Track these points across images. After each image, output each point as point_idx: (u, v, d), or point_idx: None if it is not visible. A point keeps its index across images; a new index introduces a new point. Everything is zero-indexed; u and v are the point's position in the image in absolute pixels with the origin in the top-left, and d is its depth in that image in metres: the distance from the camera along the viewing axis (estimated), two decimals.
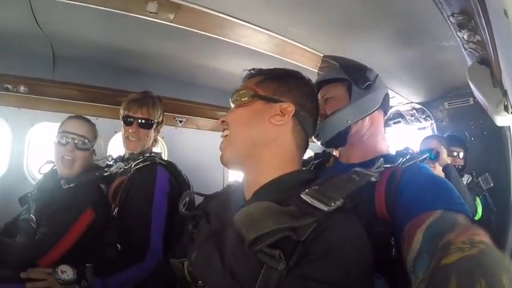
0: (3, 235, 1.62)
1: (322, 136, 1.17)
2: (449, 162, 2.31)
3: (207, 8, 1.57)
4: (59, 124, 1.73)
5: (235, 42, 1.85)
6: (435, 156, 2.26)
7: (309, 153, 1.07)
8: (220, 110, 2.86)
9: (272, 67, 1.00)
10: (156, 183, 1.64)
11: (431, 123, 3.15)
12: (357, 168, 0.89)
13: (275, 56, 1.98)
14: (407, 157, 1.02)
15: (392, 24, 1.67)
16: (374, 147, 1.16)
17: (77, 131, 1.67)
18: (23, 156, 2.26)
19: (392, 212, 0.89)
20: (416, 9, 1.49)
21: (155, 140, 1.94)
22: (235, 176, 2.98)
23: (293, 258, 0.65)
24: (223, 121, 0.94)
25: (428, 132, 3.21)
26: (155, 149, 2.04)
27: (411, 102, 3.02)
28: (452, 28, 1.38)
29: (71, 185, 1.62)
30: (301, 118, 0.91)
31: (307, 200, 0.72)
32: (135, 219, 1.56)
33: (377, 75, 1.21)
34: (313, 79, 1.08)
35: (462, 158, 2.63)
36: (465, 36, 1.41)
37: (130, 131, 1.77)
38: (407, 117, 3.27)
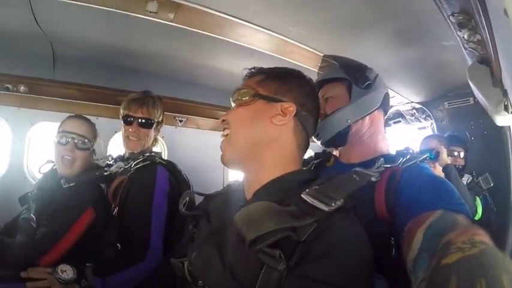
0: (3, 235, 1.62)
1: (322, 136, 1.17)
2: (449, 162, 2.31)
3: (207, 8, 1.57)
4: (59, 124, 1.73)
5: (235, 41, 1.85)
6: (435, 156, 2.26)
7: (309, 153, 1.07)
8: (220, 109, 2.87)
9: (272, 66, 1.00)
10: (156, 182, 1.64)
11: (432, 123, 3.15)
12: (357, 168, 0.89)
13: (275, 55, 1.98)
14: (408, 157, 1.02)
15: (392, 24, 1.67)
16: (374, 146, 1.15)
17: (77, 130, 1.67)
18: (23, 155, 2.26)
19: (393, 212, 0.89)
20: (416, 9, 1.49)
21: (155, 140, 1.94)
22: (235, 176, 2.98)
23: (293, 258, 0.65)
24: (223, 120, 0.94)
25: (429, 132, 3.21)
26: (155, 149, 2.04)
27: (411, 102, 3.02)
28: (452, 28, 1.38)
29: (71, 185, 1.62)
30: (302, 118, 0.91)
31: (307, 200, 0.71)
32: (135, 219, 1.56)
33: (377, 74, 1.20)
34: (314, 79, 1.08)
35: (463, 158, 2.63)
36: (465, 36, 1.41)
37: (130, 130, 1.77)
38: (407, 117, 3.27)
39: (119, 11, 1.57)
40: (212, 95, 2.83)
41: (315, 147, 1.24)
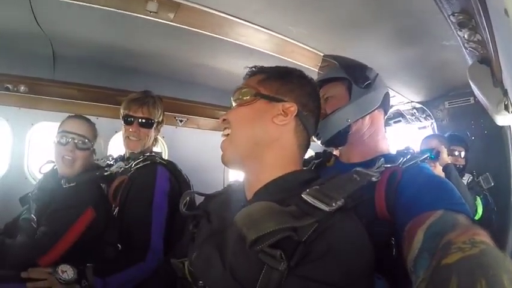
0: (3, 235, 1.62)
1: (322, 135, 1.17)
2: (449, 161, 2.31)
3: (207, 7, 1.57)
4: (59, 124, 1.73)
5: (235, 41, 1.85)
6: (436, 156, 2.26)
7: (309, 153, 1.07)
8: (220, 109, 2.86)
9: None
10: (157, 182, 1.64)
11: (432, 123, 3.15)
12: (358, 168, 0.88)
13: (275, 55, 1.98)
14: (408, 157, 1.02)
15: (392, 23, 1.67)
16: (374, 146, 1.15)
17: (77, 130, 1.67)
18: (24, 156, 2.26)
19: (393, 212, 0.89)
20: (416, 9, 1.49)
21: (155, 140, 1.94)
22: (235, 176, 2.97)
23: (294, 258, 0.65)
24: (224, 120, 0.93)
25: (429, 131, 3.20)
26: (155, 149, 2.05)
27: (411, 102, 3.02)
28: (452, 27, 1.38)
29: (72, 185, 1.62)
30: (304, 118, 0.91)
31: (308, 200, 0.71)
32: (136, 219, 1.56)
33: (377, 74, 1.20)
34: (314, 78, 1.08)
35: (463, 158, 2.63)
36: (465, 36, 1.41)
37: (130, 130, 1.77)
38: (407, 117, 3.27)
39: (119, 10, 1.57)
40: (212, 94, 2.83)
41: (315, 147, 1.24)
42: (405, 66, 2.20)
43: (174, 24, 1.69)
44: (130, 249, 1.53)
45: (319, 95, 1.01)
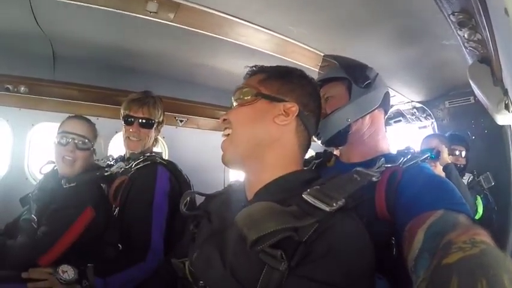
0: (4, 236, 1.62)
1: (323, 135, 1.17)
2: (449, 161, 2.31)
3: (207, 7, 1.57)
4: (59, 124, 1.73)
5: (235, 41, 1.85)
6: (436, 156, 2.25)
7: (310, 153, 1.07)
8: (220, 109, 2.86)
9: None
10: (157, 183, 1.64)
11: (432, 122, 3.15)
12: (358, 168, 0.88)
13: (276, 55, 1.98)
14: (408, 157, 1.02)
15: (392, 23, 1.67)
16: (375, 146, 1.15)
17: (77, 130, 1.67)
18: (24, 156, 2.26)
19: (393, 212, 0.89)
20: (416, 9, 1.49)
21: (156, 140, 1.94)
22: (236, 176, 2.98)
23: (295, 258, 0.65)
24: (224, 120, 0.93)
25: (429, 131, 3.20)
26: (156, 149, 2.05)
27: (412, 101, 3.02)
28: (452, 27, 1.38)
29: (72, 185, 1.62)
30: (305, 118, 0.91)
31: (308, 200, 0.72)
32: (136, 219, 1.57)
33: (377, 73, 1.20)
34: (314, 78, 1.08)
35: (464, 157, 2.63)
36: (465, 35, 1.41)
37: (131, 130, 1.77)
38: (408, 116, 3.26)
39: (119, 11, 1.57)
40: (213, 94, 2.82)
41: (315, 146, 1.25)
42: (405, 66, 2.20)
43: (174, 24, 1.69)
44: (130, 249, 1.53)
45: (319, 94, 1.01)
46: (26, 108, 2.24)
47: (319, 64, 1.47)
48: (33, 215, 1.63)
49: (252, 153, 0.88)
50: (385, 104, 1.19)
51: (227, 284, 0.73)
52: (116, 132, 2.46)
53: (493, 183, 2.57)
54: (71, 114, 1.78)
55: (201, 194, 1.08)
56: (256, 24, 1.70)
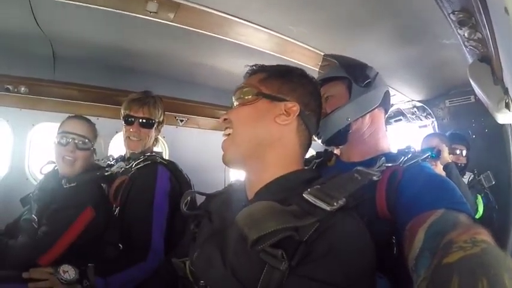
0: (5, 236, 1.62)
1: (323, 134, 1.17)
2: (450, 160, 2.31)
3: (207, 7, 1.57)
4: (59, 124, 1.73)
5: (235, 41, 1.85)
6: (437, 155, 2.25)
7: (310, 152, 1.07)
8: (221, 108, 2.86)
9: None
10: (157, 182, 1.65)
11: (433, 121, 3.15)
12: (359, 167, 0.88)
13: (276, 54, 1.98)
14: (409, 156, 1.02)
15: (393, 22, 1.67)
16: (375, 145, 1.15)
17: (77, 130, 1.67)
18: (24, 156, 2.26)
19: (394, 211, 0.89)
20: (416, 8, 1.49)
21: (156, 140, 1.94)
22: (236, 175, 2.98)
23: (295, 258, 0.65)
24: (225, 119, 0.93)
25: (430, 130, 3.20)
26: (156, 149, 2.05)
27: (412, 100, 3.02)
28: (452, 26, 1.38)
29: (72, 185, 1.63)
30: (306, 117, 0.91)
31: (309, 199, 0.71)
32: (136, 219, 1.57)
33: (377, 73, 1.20)
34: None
35: (465, 156, 2.63)
36: (466, 34, 1.41)
37: (131, 130, 1.77)
38: (408, 115, 3.26)
39: (118, 11, 1.57)
40: (213, 94, 2.83)
41: (316, 146, 1.24)
42: (406, 65, 2.20)
43: (174, 24, 1.69)
44: (131, 249, 1.53)
45: (320, 94, 1.01)
46: (26, 109, 2.24)
47: (319, 63, 1.47)
48: (33, 215, 1.63)
49: (253, 153, 0.87)
50: (385, 103, 1.19)
51: (228, 283, 0.73)
52: (116, 132, 2.46)
53: (493, 182, 2.56)
54: (71, 114, 1.78)
55: (202, 194, 1.08)
56: (256, 24, 1.70)
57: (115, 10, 1.57)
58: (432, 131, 3.13)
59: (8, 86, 2.13)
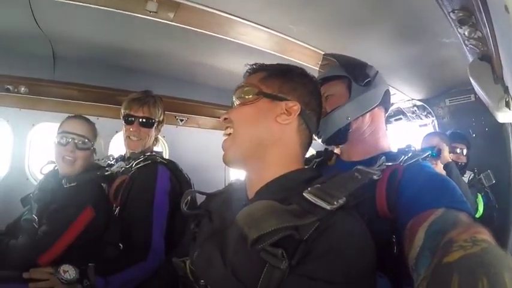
0: (5, 236, 1.62)
1: (323, 133, 1.17)
2: (450, 160, 2.31)
3: (207, 7, 1.57)
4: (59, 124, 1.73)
5: (235, 40, 1.85)
6: (437, 154, 2.25)
7: (310, 151, 1.07)
8: (221, 108, 2.86)
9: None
10: (157, 182, 1.64)
11: (433, 120, 3.14)
12: (359, 166, 0.88)
13: (276, 54, 1.98)
14: (409, 155, 1.02)
15: (393, 21, 1.67)
16: (375, 144, 1.15)
17: (77, 130, 1.67)
18: (25, 156, 2.26)
19: (394, 210, 0.88)
20: (416, 6, 1.49)
21: (156, 139, 1.94)
22: (237, 174, 2.98)
23: (295, 257, 0.65)
24: (226, 118, 0.92)
25: (430, 129, 3.20)
26: (156, 148, 2.04)
27: (412, 99, 3.01)
28: (452, 24, 1.38)
29: (72, 184, 1.62)
30: (306, 116, 0.91)
31: (309, 198, 0.71)
32: (137, 218, 1.57)
33: (377, 71, 1.20)
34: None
35: (465, 155, 2.62)
36: (466, 33, 1.40)
37: (131, 130, 1.77)
38: (408, 114, 3.26)
39: (118, 10, 1.57)
40: (213, 93, 2.83)
41: (316, 145, 1.24)
42: (406, 64, 2.20)
43: (174, 23, 1.69)
44: (131, 248, 1.53)
45: (320, 92, 1.00)
46: (26, 109, 2.24)
47: (319, 63, 1.47)
48: (34, 215, 1.63)
49: (253, 153, 0.87)
50: (385, 102, 1.19)
51: (228, 282, 0.73)
52: (116, 131, 2.46)
53: (493, 181, 2.56)
54: (70, 114, 1.78)
55: (202, 193, 1.08)
56: (256, 23, 1.70)
57: (115, 10, 1.57)
58: (432, 130, 3.13)
59: (8, 86, 2.13)
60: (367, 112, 1.14)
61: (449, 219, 0.73)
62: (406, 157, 1.01)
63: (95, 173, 1.72)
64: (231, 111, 0.93)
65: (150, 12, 1.58)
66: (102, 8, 1.55)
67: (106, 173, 1.75)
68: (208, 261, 0.81)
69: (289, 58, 2.00)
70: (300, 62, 1.98)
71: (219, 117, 1.00)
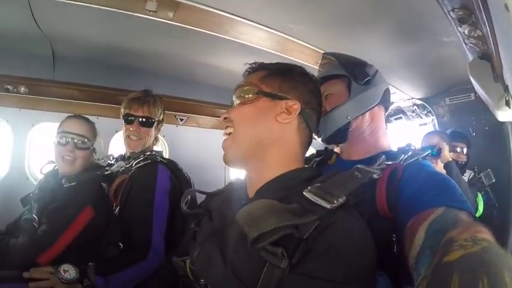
0: (5, 236, 1.62)
1: (323, 132, 1.17)
2: (450, 159, 2.30)
3: (207, 6, 1.57)
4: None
5: (235, 39, 1.85)
6: (437, 153, 2.25)
7: (310, 150, 1.07)
8: (221, 107, 2.86)
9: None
10: (157, 181, 1.64)
11: (433, 119, 3.14)
12: (359, 165, 0.88)
13: (276, 53, 1.97)
14: (409, 154, 1.02)
15: (392, 20, 1.66)
16: (375, 143, 1.15)
17: (76, 130, 1.67)
18: (25, 156, 2.26)
19: (394, 209, 0.88)
20: (416, 5, 1.49)
21: (156, 139, 1.94)
22: (237, 174, 2.98)
23: (295, 256, 0.65)
24: (226, 118, 0.92)
25: (430, 128, 3.20)
26: (156, 148, 2.04)
27: (412, 98, 3.01)
28: (452, 23, 1.38)
29: (72, 184, 1.62)
30: (306, 115, 0.91)
31: (309, 197, 0.71)
32: (137, 218, 1.57)
33: (377, 70, 1.20)
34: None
35: (465, 154, 2.62)
36: (466, 31, 1.40)
37: (131, 129, 1.77)
38: (408, 113, 3.26)
39: (118, 10, 1.57)
40: (213, 93, 2.82)
41: (316, 144, 1.24)
42: (406, 63, 2.19)
43: (174, 23, 1.68)
44: (131, 248, 1.53)
45: (320, 91, 1.00)
46: (26, 109, 2.24)
47: (319, 62, 1.47)
48: (34, 215, 1.63)
49: (254, 152, 0.87)
50: (385, 100, 1.19)
51: (228, 282, 0.73)
52: (116, 131, 2.46)
53: (493, 180, 2.56)
54: (70, 114, 1.78)
55: (202, 192, 1.08)
56: (256, 22, 1.69)
57: (114, 9, 1.56)
58: (432, 129, 3.13)
59: (8, 86, 2.12)
60: (367, 111, 1.14)
61: (449, 218, 0.73)
62: (406, 156, 1.01)
63: (94, 172, 1.72)
64: (231, 111, 0.92)
65: (150, 11, 1.58)
66: (102, 7, 1.55)
67: (106, 173, 1.75)
68: (208, 261, 0.81)
69: (289, 57, 2.00)
70: (300, 61, 1.98)
71: (219, 117, 1.00)
